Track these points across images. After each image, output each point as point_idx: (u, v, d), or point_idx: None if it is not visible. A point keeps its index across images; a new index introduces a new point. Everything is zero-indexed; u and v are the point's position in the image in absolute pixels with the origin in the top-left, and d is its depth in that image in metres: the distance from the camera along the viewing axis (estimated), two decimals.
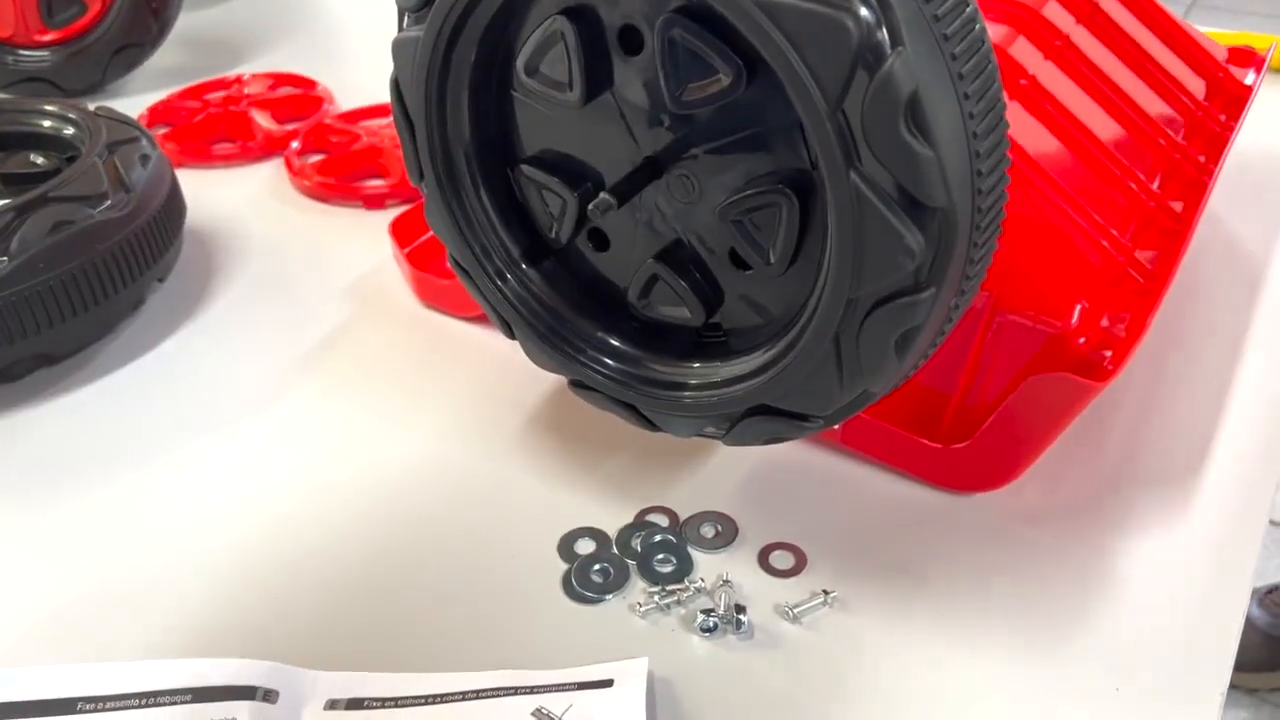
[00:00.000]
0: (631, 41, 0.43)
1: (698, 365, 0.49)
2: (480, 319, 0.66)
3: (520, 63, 0.45)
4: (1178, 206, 0.60)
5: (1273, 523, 1.54)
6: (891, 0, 0.35)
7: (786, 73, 0.36)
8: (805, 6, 0.35)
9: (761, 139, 0.42)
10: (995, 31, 0.60)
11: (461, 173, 0.49)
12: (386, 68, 0.48)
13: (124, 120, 0.72)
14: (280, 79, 0.99)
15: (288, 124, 0.92)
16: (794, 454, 0.57)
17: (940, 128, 0.36)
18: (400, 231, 0.72)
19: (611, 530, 0.52)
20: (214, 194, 0.83)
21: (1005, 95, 0.40)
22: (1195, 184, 0.62)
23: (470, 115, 0.48)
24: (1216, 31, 0.96)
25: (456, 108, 0.47)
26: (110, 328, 0.66)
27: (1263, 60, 0.75)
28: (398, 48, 0.46)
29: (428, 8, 0.44)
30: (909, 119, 0.36)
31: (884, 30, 0.35)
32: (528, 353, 0.53)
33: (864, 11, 0.35)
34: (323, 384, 0.64)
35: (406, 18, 0.46)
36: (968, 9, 0.37)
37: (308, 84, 0.98)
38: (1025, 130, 0.56)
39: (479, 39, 0.45)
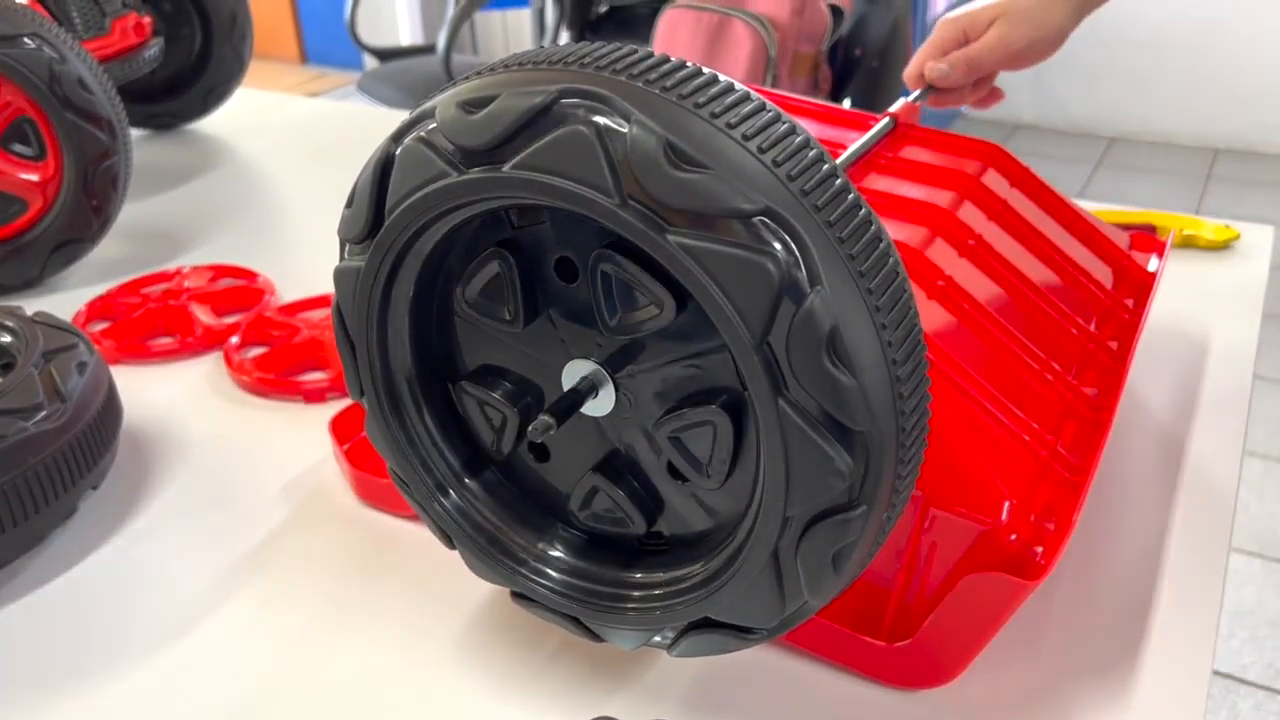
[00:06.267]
0: (567, 271, 0.45)
1: (640, 576, 0.49)
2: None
3: (460, 289, 0.47)
4: (1095, 394, 0.62)
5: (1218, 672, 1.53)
6: (808, 242, 0.37)
7: (713, 309, 0.38)
8: (727, 251, 0.37)
9: (694, 361, 0.44)
10: (913, 234, 0.63)
11: (402, 391, 0.50)
12: (327, 258, 0.49)
13: (61, 326, 0.73)
14: (221, 271, 1.00)
15: (228, 316, 0.93)
16: (741, 654, 0.56)
17: (860, 357, 0.38)
18: (340, 429, 0.72)
19: None
20: (151, 391, 0.82)
21: (920, 318, 0.42)
22: (1110, 371, 0.65)
23: (411, 337, 0.49)
24: (1119, 210, 1.02)
25: (397, 331, 0.48)
26: (40, 539, 0.65)
27: (1163, 245, 0.80)
28: (340, 276, 0.47)
29: (369, 239, 0.45)
30: (830, 351, 0.37)
31: (802, 270, 0.37)
32: (468, 564, 0.53)
33: (783, 253, 0.37)
34: (260, 592, 0.63)
35: (348, 248, 0.47)
36: (881, 245, 0.39)
37: (249, 275, 0.99)
38: (944, 329, 0.59)
39: (420, 268, 0.47)
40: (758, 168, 0.38)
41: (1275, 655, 1.59)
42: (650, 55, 0.40)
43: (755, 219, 0.37)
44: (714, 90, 0.39)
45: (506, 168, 0.40)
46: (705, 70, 0.40)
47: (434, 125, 0.42)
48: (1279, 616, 1.66)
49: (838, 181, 0.39)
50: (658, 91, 0.38)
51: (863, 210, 0.40)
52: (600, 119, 0.38)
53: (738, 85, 0.40)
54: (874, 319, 0.38)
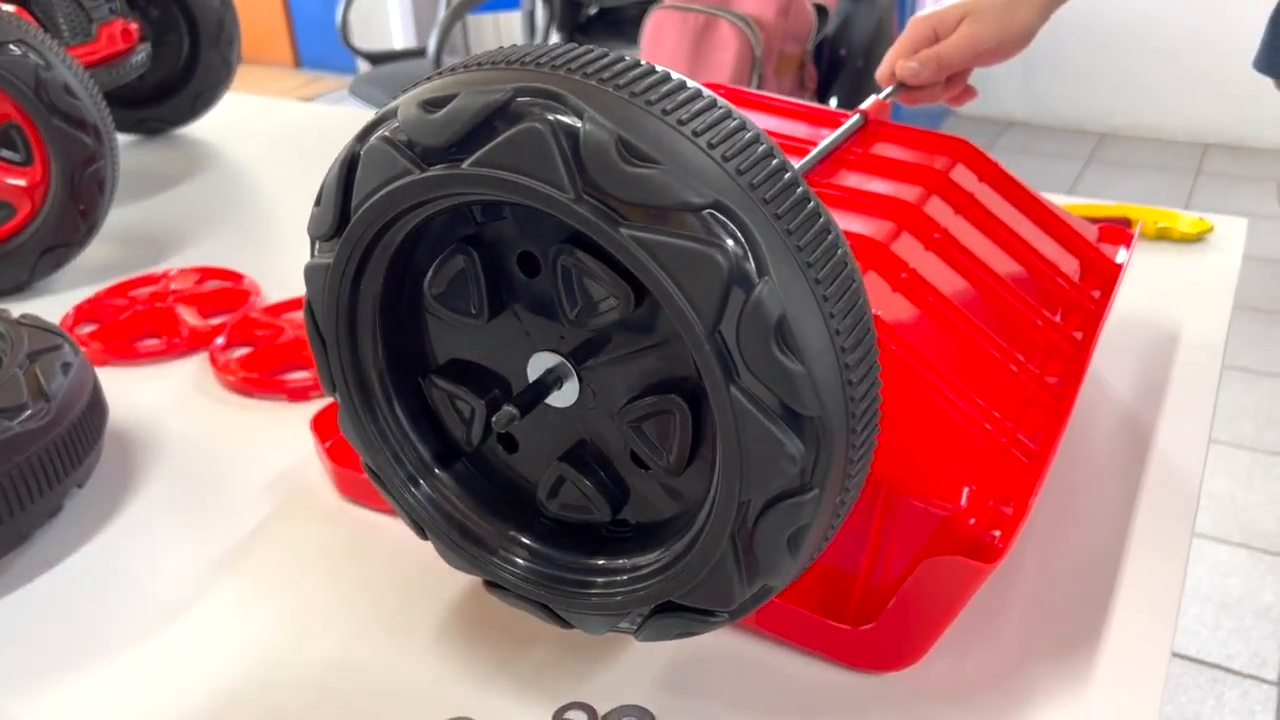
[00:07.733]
0: (529, 265, 0.46)
1: (603, 562, 0.50)
2: None
3: (427, 285, 0.48)
4: (1057, 383, 0.64)
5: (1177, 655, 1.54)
6: (757, 235, 0.39)
7: (666, 300, 0.39)
8: (679, 243, 0.38)
9: (654, 352, 0.45)
10: (879, 228, 0.65)
11: (373, 386, 0.51)
12: None
13: (46, 328, 0.74)
14: (207, 273, 1.01)
15: (214, 318, 0.94)
16: (711, 640, 0.58)
17: (809, 345, 0.39)
18: (321, 426, 0.74)
19: None
20: (137, 392, 0.84)
21: (872, 308, 0.43)
22: (1073, 361, 0.66)
23: (380, 333, 0.50)
24: (1096, 203, 1.03)
25: (367, 327, 0.50)
26: (25, 537, 0.66)
27: (1130, 237, 0.81)
28: (309, 273, 0.49)
29: (337, 237, 0.47)
30: (779, 339, 0.39)
31: (751, 262, 0.38)
32: (441, 554, 0.54)
33: (732, 246, 0.38)
34: (243, 586, 0.64)
35: (317, 245, 0.48)
36: (829, 237, 0.41)
37: (235, 277, 1.00)
38: (908, 320, 0.60)
39: (386, 265, 0.48)
40: (707, 162, 0.39)
41: (1261, 645, 1.60)
42: (604, 54, 0.41)
43: (705, 212, 0.38)
44: (665, 88, 0.40)
45: (466, 165, 0.41)
46: (657, 68, 0.41)
47: (396, 124, 0.43)
48: (1265, 607, 1.67)
49: (786, 175, 0.40)
50: (610, 89, 0.40)
51: (811, 203, 0.41)
52: (555, 116, 0.39)
53: (689, 83, 0.41)
54: (822, 308, 0.40)
